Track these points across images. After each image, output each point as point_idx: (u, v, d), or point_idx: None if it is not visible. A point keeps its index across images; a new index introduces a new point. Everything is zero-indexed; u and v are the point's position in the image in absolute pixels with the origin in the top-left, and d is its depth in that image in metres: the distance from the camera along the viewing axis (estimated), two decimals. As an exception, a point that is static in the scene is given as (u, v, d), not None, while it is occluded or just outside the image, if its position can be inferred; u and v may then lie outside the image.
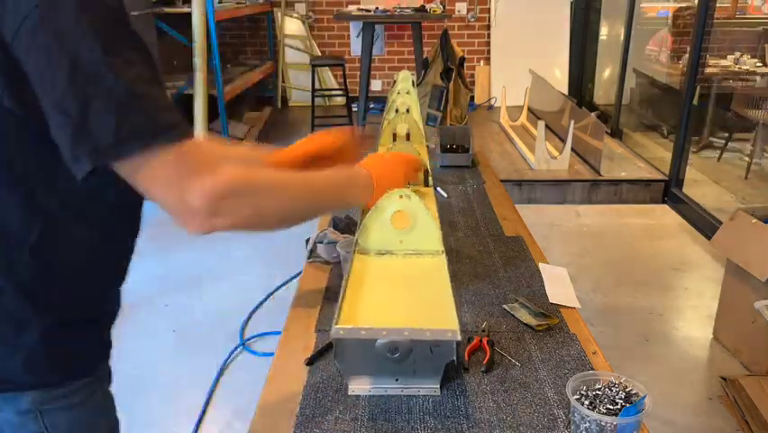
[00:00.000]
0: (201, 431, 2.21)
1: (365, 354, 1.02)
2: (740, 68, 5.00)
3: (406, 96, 1.99)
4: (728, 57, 5.09)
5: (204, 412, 2.28)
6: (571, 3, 6.63)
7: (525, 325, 1.30)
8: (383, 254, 1.25)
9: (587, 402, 0.97)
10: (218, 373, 2.50)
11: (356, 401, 1.06)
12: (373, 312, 1.05)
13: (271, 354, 1.22)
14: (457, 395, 1.08)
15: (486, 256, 1.63)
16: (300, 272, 1.59)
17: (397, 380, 1.07)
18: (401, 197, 1.22)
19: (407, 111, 1.88)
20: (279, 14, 6.57)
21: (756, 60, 5.05)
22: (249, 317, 2.91)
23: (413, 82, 2.18)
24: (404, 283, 1.16)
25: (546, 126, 4.66)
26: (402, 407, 1.05)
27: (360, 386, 1.08)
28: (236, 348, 2.66)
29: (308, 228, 1.48)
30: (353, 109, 5.58)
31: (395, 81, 2.30)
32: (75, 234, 0.86)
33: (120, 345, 2.93)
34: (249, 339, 2.73)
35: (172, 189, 0.76)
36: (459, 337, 0.97)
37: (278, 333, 1.29)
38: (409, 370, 1.05)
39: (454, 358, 1.03)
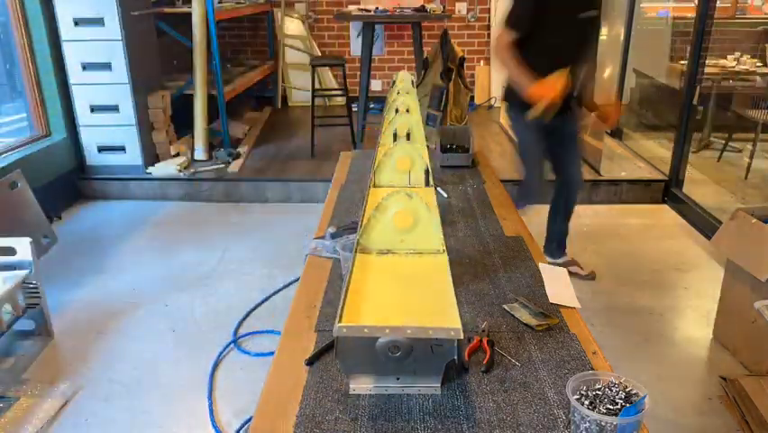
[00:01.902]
0: (200, 431, 2.21)
1: (366, 353, 1.02)
2: (740, 68, 5.00)
3: (405, 95, 1.99)
4: (728, 57, 5.10)
5: (212, 413, 2.26)
6: (571, 3, 6.62)
7: (525, 325, 1.30)
8: (385, 253, 1.25)
9: (587, 402, 0.97)
10: (211, 370, 2.48)
11: (356, 401, 1.06)
12: (375, 311, 1.05)
13: (269, 353, 1.22)
14: (457, 395, 1.08)
15: (486, 256, 1.63)
16: (299, 278, 1.59)
17: (398, 379, 1.07)
18: (405, 196, 1.22)
19: (407, 111, 1.88)
20: (279, 14, 6.57)
21: (756, 60, 5.05)
22: (244, 318, 2.89)
23: (413, 82, 2.19)
24: (405, 282, 1.16)
25: (546, 126, 4.65)
26: (402, 407, 1.05)
27: (361, 385, 1.08)
28: (227, 346, 2.64)
29: (308, 230, 1.48)
30: (353, 109, 5.57)
31: (394, 81, 2.30)
32: None
33: (120, 346, 2.89)
34: (240, 337, 2.71)
35: None
36: (461, 336, 0.97)
37: (271, 331, 1.29)
38: (410, 369, 1.05)
39: (455, 357, 1.03)
